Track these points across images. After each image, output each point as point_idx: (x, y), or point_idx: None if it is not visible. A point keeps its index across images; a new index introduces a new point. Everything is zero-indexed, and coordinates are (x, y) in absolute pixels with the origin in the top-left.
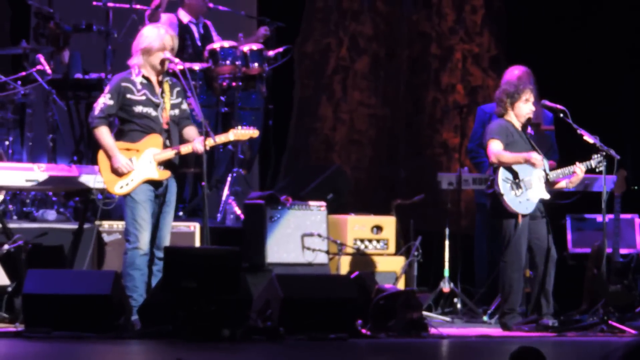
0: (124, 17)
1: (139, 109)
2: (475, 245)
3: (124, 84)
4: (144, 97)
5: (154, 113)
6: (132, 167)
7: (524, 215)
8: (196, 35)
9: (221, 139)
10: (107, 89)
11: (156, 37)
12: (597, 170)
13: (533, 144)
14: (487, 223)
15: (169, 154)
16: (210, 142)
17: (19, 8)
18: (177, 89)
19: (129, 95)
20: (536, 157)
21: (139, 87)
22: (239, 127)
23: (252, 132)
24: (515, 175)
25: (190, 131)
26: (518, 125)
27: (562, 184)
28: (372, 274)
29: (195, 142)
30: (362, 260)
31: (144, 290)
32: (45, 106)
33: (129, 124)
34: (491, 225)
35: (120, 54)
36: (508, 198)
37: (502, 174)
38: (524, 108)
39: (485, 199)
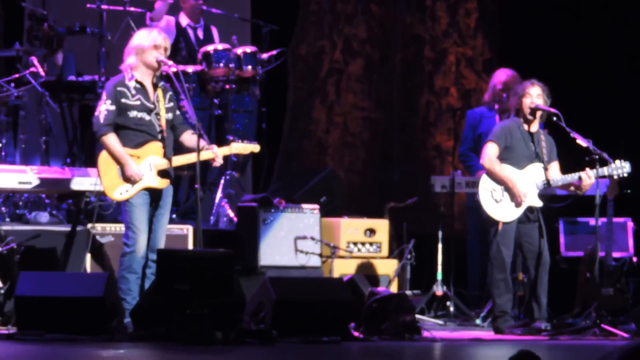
0: (117, 20)
1: (133, 113)
2: (467, 248)
3: (119, 89)
4: (138, 102)
5: (147, 117)
6: (141, 175)
7: (504, 223)
8: (192, 39)
9: (223, 151)
10: (104, 95)
11: (147, 36)
12: (614, 176)
13: (537, 149)
14: (478, 226)
15: (180, 161)
16: (208, 154)
17: (12, 10)
18: (170, 93)
19: (124, 100)
20: (520, 192)
21: (133, 92)
22: (240, 141)
23: (253, 147)
24: (497, 182)
25: (192, 138)
26: (526, 126)
27: (571, 189)
28: (365, 277)
29: (217, 160)
30: (355, 263)
31: (137, 294)
32: (38, 108)
33: (123, 130)
34: (483, 229)
35: (114, 57)
36: (486, 206)
37: (482, 181)
38: (525, 102)
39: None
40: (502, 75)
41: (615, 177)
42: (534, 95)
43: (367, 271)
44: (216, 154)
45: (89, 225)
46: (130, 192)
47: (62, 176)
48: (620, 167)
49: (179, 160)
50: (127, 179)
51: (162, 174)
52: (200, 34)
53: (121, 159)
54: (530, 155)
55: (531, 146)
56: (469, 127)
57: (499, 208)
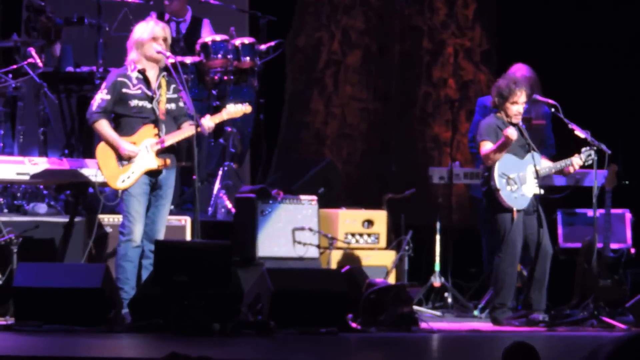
0: (115, 11)
1: (134, 102)
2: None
3: (120, 79)
4: (139, 91)
5: (148, 105)
6: (137, 150)
7: (518, 211)
8: (173, 32)
9: (215, 119)
10: (103, 85)
11: (145, 28)
12: (585, 164)
13: (526, 137)
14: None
15: (174, 138)
16: (204, 123)
17: (10, 1)
18: (174, 85)
19: (124, 90)
20: (510, 132)
21: (135, 81)
22: (232, 104)
23: (245, 109)
24: (510, 170)
25: (190, 129)
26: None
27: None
28: (362, 268)
29: (201, 120)
30: (353, 254)
31: (135, 283)
32: (36, 99)
33: (124, 118)
34: (486, 221)
35: (111, 48)
36: (504, 193)
37: (498, 169)
38: (512, 109)
39: (479, 193)
40: (515, 72)
41: (590, 160)
42: (521, 102)
43: (365, 262)
44: (203, 126)
45: (100, 216)
46: (132, 179)
47: (60, 167)
48: (588, 151)
49: (170, 138)
50: (125, 158)
51: (160, 154)
52: (183, 28)
53: (113, 142)
54: (523, 144)
55: (520, 137)
56: (480, 116)
57: (514, 196)
